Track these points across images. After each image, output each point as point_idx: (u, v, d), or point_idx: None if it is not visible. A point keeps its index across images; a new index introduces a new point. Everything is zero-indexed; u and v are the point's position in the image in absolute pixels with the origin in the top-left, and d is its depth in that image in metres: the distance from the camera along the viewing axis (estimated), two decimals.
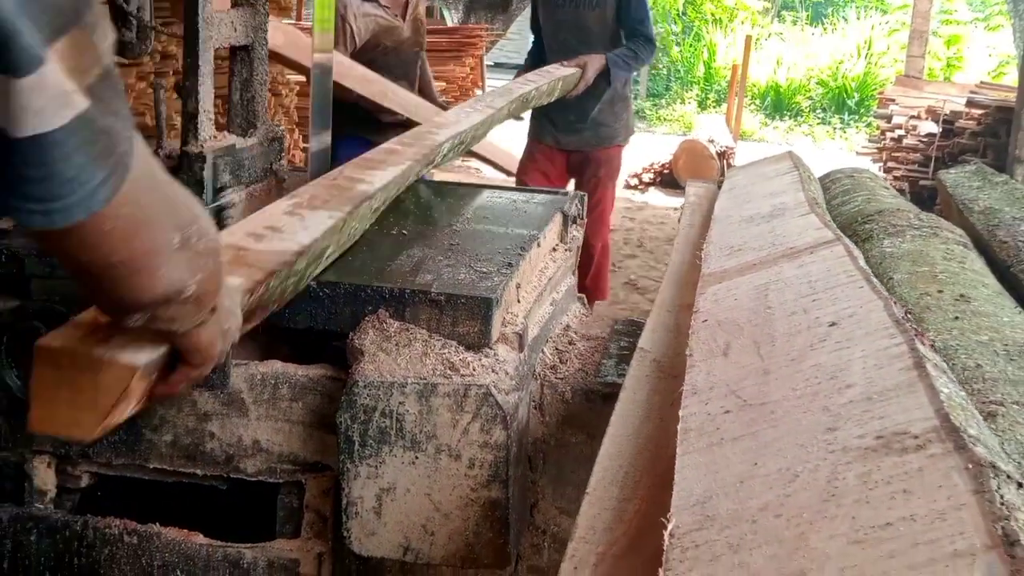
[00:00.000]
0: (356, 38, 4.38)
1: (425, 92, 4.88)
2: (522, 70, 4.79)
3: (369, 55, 4.43)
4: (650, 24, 4.76)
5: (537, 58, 4.91)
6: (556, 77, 4.13)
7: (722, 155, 9.59)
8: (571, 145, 4.75)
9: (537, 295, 2.12)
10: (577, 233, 2.57)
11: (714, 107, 15.91)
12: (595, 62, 4.47)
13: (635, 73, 4.96)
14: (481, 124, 2.89)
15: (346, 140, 4.41)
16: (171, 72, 4.69)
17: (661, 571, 0.98)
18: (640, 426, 1.56)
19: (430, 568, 1.91)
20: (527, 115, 4.67)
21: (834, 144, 14.33)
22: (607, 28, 4.62)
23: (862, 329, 1.45)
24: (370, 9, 4.42)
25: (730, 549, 0.98)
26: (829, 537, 0.94)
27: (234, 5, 2.12)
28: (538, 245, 2.22)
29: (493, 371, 1.80)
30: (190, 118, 1.95)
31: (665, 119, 15.65)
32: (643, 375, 1.76)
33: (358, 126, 4.46)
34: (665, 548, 1.02)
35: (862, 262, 1.83)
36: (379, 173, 2.15)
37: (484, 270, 1.97)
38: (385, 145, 2.43)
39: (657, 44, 5.08)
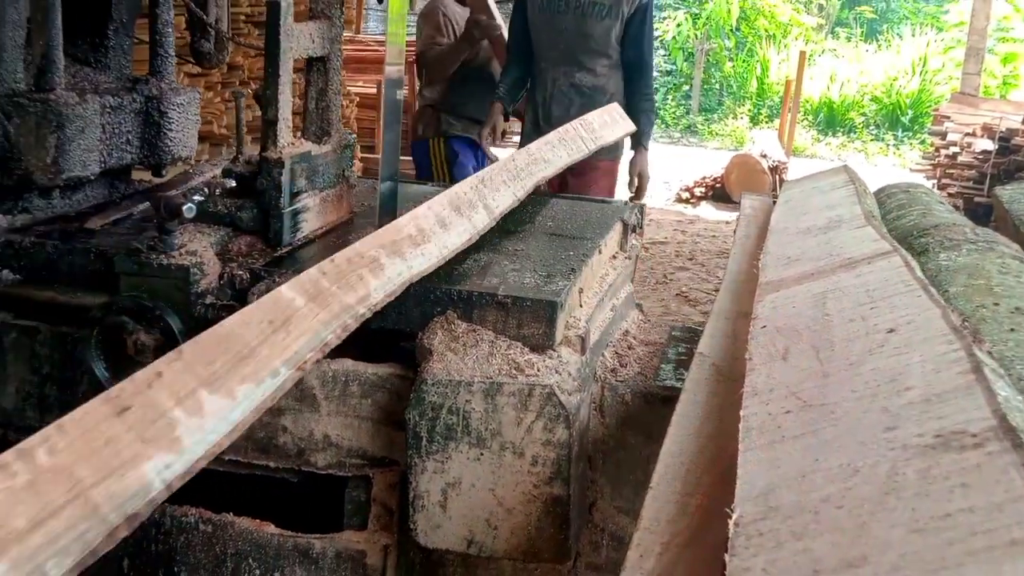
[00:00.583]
0: (456, 35, 4.61)
1: None
2: (502, 91, 4.44)
3: (468, 59, 4.63)
4: (651, 49, 4.52)
5: (520, 74, 4.51)
6: (587, 151, 2.94)
7: (774, 170, 9.59)
8: None
9: (598, 300, 2.18)
10: (636, 242, 2.62)
11: (766, 122, 15.87)
12: (644, 162, 4.34)
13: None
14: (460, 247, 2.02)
15: (455, 139, 4.69)
16: (237, 82, 4.83)
17: (727, 557, 1.03)
18: (701, 426, 1.61)
19: (491, 561, 1.97)
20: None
21: (887, 160, 14.24)
22: (611, 39, 4.34)
23: (920, 335, 1.49)
24: (463, 12, 4.65)
25: (793, 537, 1.03)
26: (890, 526, 0.98)
27: (311, 18, 2.20)
28: (599, 252, 2.28)
29: (556, 372, 1.86)
30: (270, 125, 2.04)
31: (717, 134, 15.66)
32: (703, 378, 1.81)
33: (466, 128, 4.68)
34: (730, 536, 1.07)
35: (919, 272, 1.87)
36: (235, 393, 1.30)
37: (548, 275, 2.03)
38: (280, 295, 1.50)
39: (654, 72, 4.79)
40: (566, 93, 4.38)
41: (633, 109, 4.28)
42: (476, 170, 4.24)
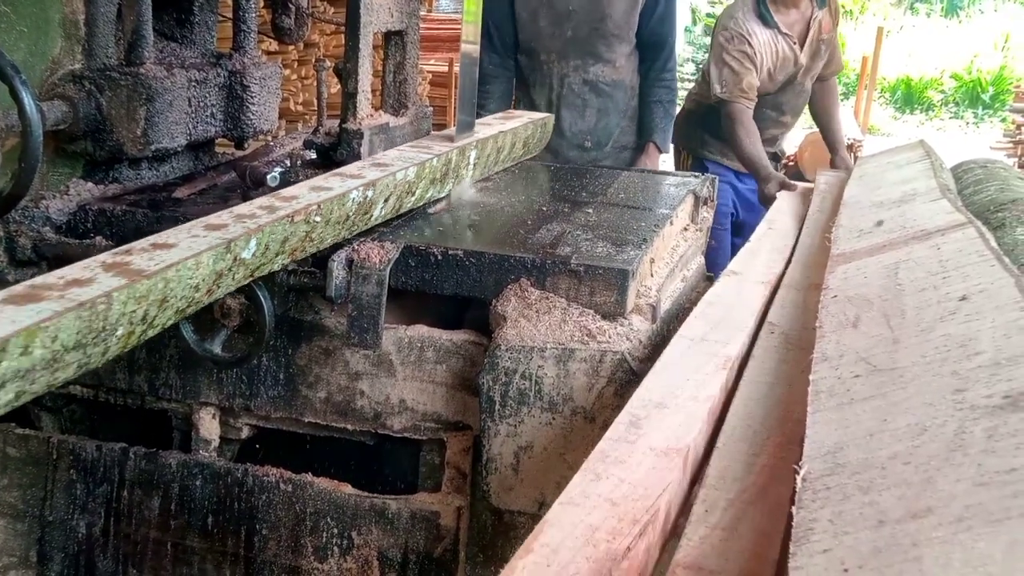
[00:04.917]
0: (761, 68, 3.78)
1: (825, 130, 4.14)
2: (493, 107, 3.44)
3: (761, 89, 3.85)
4: (674, 28, 3.65)
5: (507, 77, 3.61)
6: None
7: (850, 148, 9.41)
8: None
9: (669, 271, 2.21)
10: (707, 214, 2.64)
11: (842, 100, 15.58)
12: (653, 166, 3.59)
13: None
14: None
15: (706, 163, 3.86)
16: (314, 60, 4.92)
17: (793, 510, 1.06)
18: (768, 391, 1.63)
19: None
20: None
21: (966, 139, 13.94)
22: (633, 20, 3.52)
23: (992, 303, 1.49)
24: (771, 39, 3.81)
25: (860, 491, 1.06)
26: (955, 481, 1.00)
27: None
28: (671, 224, 2.30)
29: (628, 339, 1.89)
30: (350, 97, 2.09)
31: None
32: (771, 346, 1.82)
33: (724, 153, 3.88)
34: (797, 490, 1.10)
35: (993, 243, 1.87)
36: None
37: (620, 244, 2.06)
38: None
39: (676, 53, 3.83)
40: (579, 93, 3.58)
41: (645, 98, 3.60)
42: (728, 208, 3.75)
